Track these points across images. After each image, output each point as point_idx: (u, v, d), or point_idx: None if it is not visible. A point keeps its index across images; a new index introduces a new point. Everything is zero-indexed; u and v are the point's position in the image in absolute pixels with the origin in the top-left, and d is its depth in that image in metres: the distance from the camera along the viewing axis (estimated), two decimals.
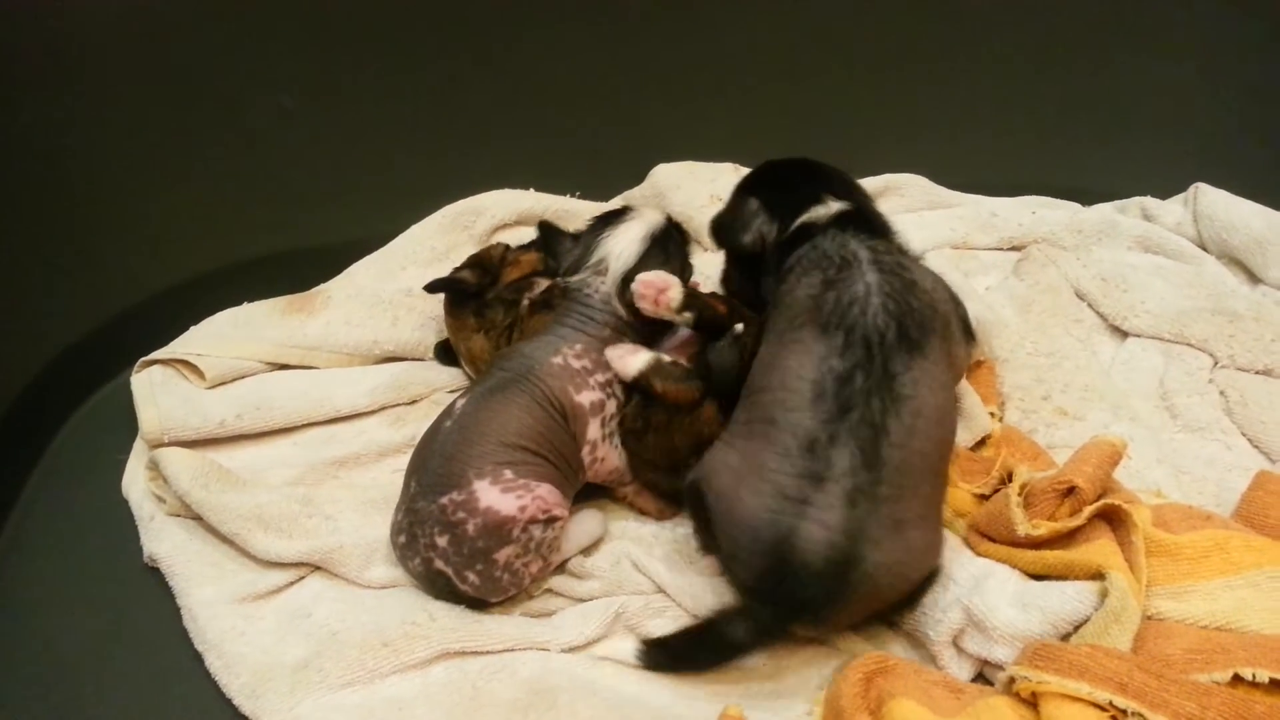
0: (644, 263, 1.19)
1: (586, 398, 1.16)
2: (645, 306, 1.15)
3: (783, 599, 0.98)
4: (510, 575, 1.10)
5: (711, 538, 1.07)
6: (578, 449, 1.16)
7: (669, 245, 1.22)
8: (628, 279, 1.17)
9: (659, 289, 1.14)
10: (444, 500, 1.08)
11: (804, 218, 1.16)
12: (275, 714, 1.02)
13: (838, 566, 0.96)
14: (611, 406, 1.18)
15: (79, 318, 1.46)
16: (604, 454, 1.18)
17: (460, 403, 1.15)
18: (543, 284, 1.35)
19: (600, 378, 1.17)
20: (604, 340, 1.19)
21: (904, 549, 0.99)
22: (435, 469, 1.10)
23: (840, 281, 1.06)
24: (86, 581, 1.20)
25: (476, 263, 1.38)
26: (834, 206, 1.17)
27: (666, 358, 1.16)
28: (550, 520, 1.09)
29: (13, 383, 1.37)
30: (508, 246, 1.41)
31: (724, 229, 1.26)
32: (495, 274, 1.37)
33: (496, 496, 1.07)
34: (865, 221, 1.16)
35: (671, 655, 1.07)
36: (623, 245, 1.19)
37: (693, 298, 1.15)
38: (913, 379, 1.00)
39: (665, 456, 1.18)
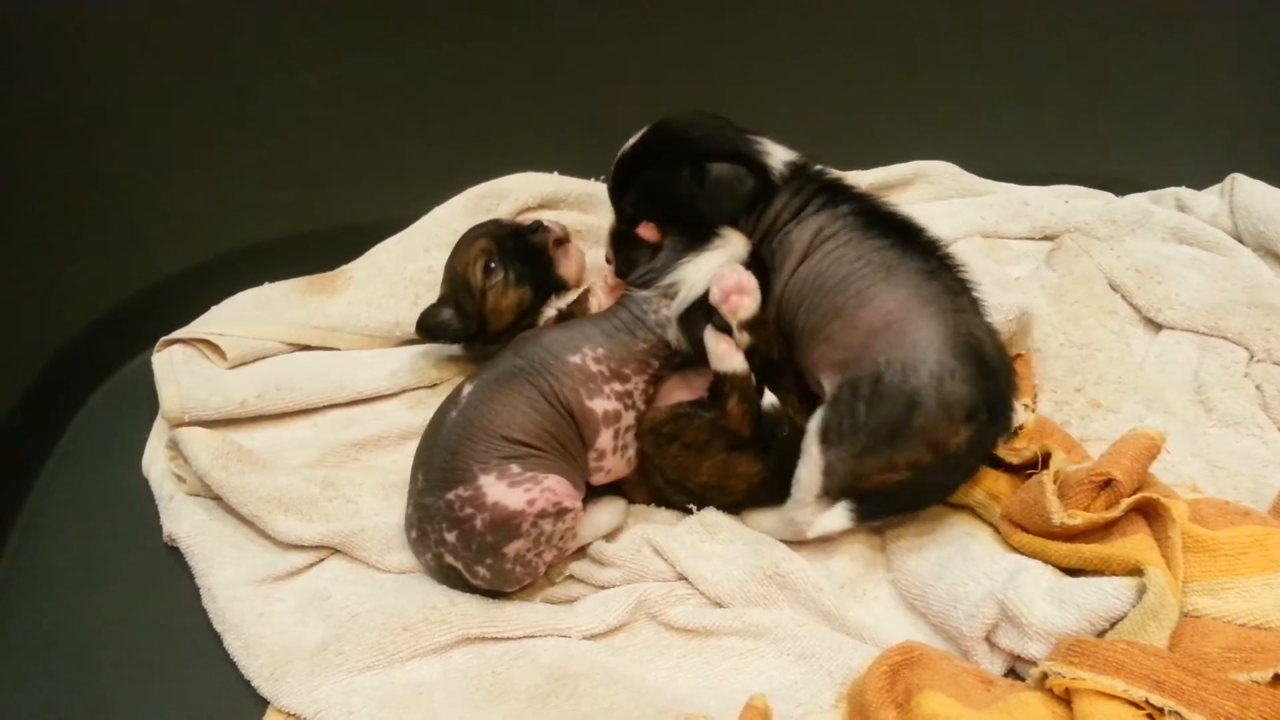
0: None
1: (599, 405, 1.12)
2: (714, 297, 1.08)
3: (990, 398, 1.06)
4: (523, 567, 1.09)
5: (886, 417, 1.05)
6: (585, 449, 1.13)
7: None
8: (693, 310, 1.12)
9: (739, 289, 1.07)
10: (450, 496, 1.06)
11: (773, 161, 1.18)
12: (294, 696, 1.01)
13: (1003, 354, 1.10)
14: (629, 418, 1.15)
15: (101, 296, 1.46)
16: (611, 466, 1.16)
17: (467, 390, 1.13)
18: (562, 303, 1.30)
19: (618, 387, 1.14)
20: (634, 356, 1.14)
21: None
22: (440, 464, 1.08)
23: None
24: (106, 560, 1.20)
25: (455, 295, 1.31)
26: (780, 152, 1.20)
27: (753, 378, 1.11)
28: (561, 513, 1.07)
29: (34, 361, 1.37)
30: (486, 263, 1.29)
31: (719, 200, 1.17)
32: (479, 314, 1.30)
33: (504, 491, 1.05)
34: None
35: (893, 505, 1.10)
36: (699, 276, 1.12)
37: (760, 323, 1.10)
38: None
39: (678, 472, 1.15)
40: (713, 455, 1.13)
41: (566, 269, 1.33)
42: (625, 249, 1.23)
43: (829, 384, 1.10)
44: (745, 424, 1.12)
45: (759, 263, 1.15)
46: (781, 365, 1.16)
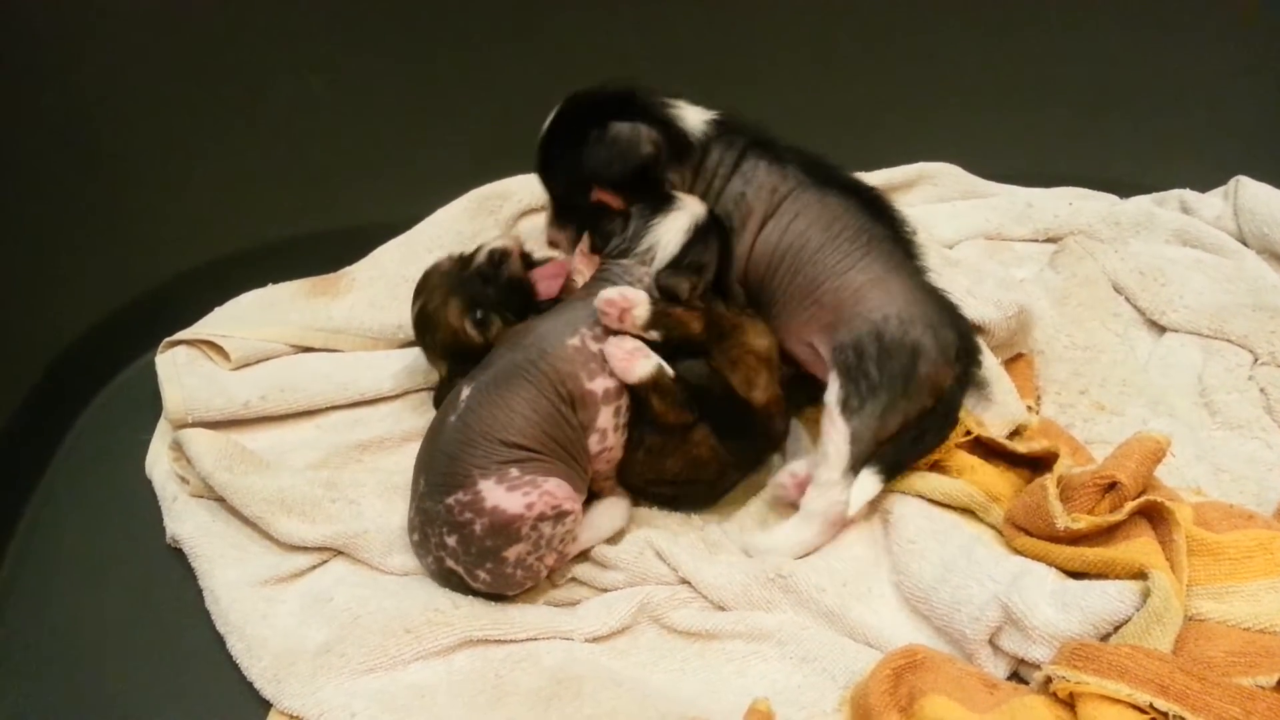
0: (686, 254, 1.16)
1: (600, 384, 1.13)
2: (609, 324, 1.12)
3: (965, 340, 1.16)
4: (523, 570, 1.09)
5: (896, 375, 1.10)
6: (584, 438, 1.13)
7: (710, 237, 1.18)
8: (668, 268, 1.16)
9: (623, 307, 1.11)
10: (450, 501, 1.07)
11: (688, 119, 1.20)
12: (296, 698, 1.01)
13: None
14: (628, 397, 1.15)
15: (104, 297, 1.46)
16: (613, 444, 1.16)
17: (465, 392, 1.12)
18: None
19: None
20: None
21: None
22: (440, 468, 1.09)
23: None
24: (109, 561, 1.20)
25: (449, 355, 1.24)
26: (696, 112, 1.21)
27: (670, 371, 1.13)
28: (560, 515, 1.07)
29: (38, 362, 1.37)
30: (473, 319, 1.23)
31: (609, 162, 1.17)
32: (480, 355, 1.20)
33: (503, 495, 1.05)
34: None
35: (901, 457, 1.13)
36: (669, 236, 1.16)
37: (661, 315, 1.12)
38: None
39: (654, 473, 1.17)
40: (673, 451, 1.16)
41: (549, 290, 1.27)
42: (599, 224, 1.23)
43: (823, 347, 1.14)
44: (677, 413, 1.14)
45: (718, 222, 1.19)
46: (716, 319, 1.16)
